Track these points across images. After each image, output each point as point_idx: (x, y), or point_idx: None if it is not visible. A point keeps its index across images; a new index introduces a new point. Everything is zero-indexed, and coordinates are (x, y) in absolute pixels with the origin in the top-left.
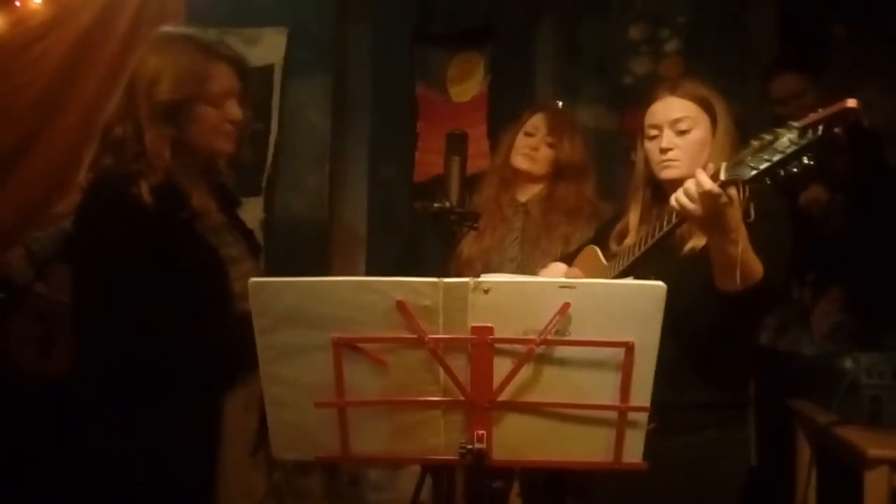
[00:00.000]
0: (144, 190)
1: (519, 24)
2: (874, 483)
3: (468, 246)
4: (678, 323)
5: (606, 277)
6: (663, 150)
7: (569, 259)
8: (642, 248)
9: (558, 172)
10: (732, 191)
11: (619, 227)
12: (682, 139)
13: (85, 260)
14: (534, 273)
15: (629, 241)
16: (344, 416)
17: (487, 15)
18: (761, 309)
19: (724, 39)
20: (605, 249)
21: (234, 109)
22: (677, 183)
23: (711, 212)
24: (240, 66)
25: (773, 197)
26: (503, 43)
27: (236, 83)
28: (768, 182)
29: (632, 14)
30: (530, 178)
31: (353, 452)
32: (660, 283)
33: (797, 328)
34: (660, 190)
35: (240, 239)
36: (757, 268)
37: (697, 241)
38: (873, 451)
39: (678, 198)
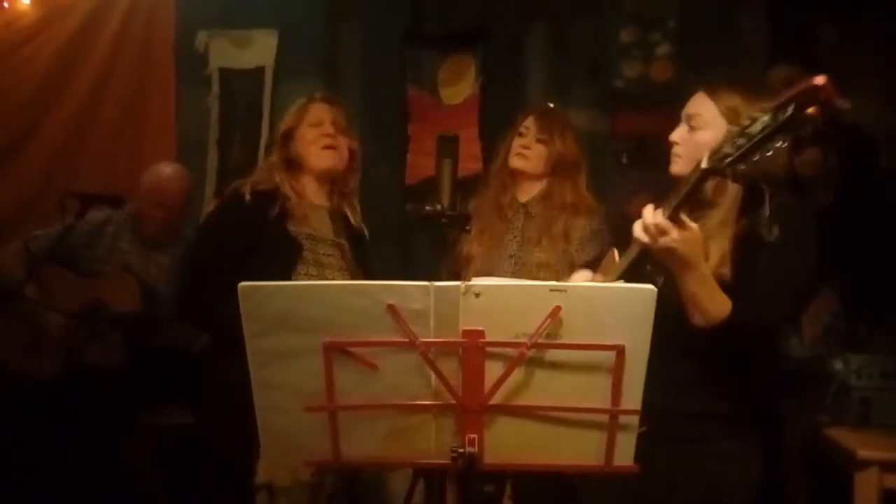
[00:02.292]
0: (246, 191)
1: (510, 26)
2: (864, 484)
3: (468, 245)
4: (694, 335)
5: (614, 275)
6: (671, 143)
7: (595, 265)
8: (626, 264)
9: (554, 169)
10: (686, 232)
11: None
12: (690, 135)
13: (199, 232)
14: (530, 274)
15: None
16: (335, 421)
17: (479, 17)
18: (739, 344)
19: (714, 43)
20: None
21: (328, 128)
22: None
23: (661, 246)
24: (331, 101)
25: (798, 216)
26: (495, 45)
27: (330, 113)
28: (742, 168)
29: (623, 17)
30: (528, 176)
31: (345, 457)
32: (650, 286)
33: (788, 330)
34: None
35: (344, 256)
36: (719, 308)
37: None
38: (863, 453)
39: (634, 228)
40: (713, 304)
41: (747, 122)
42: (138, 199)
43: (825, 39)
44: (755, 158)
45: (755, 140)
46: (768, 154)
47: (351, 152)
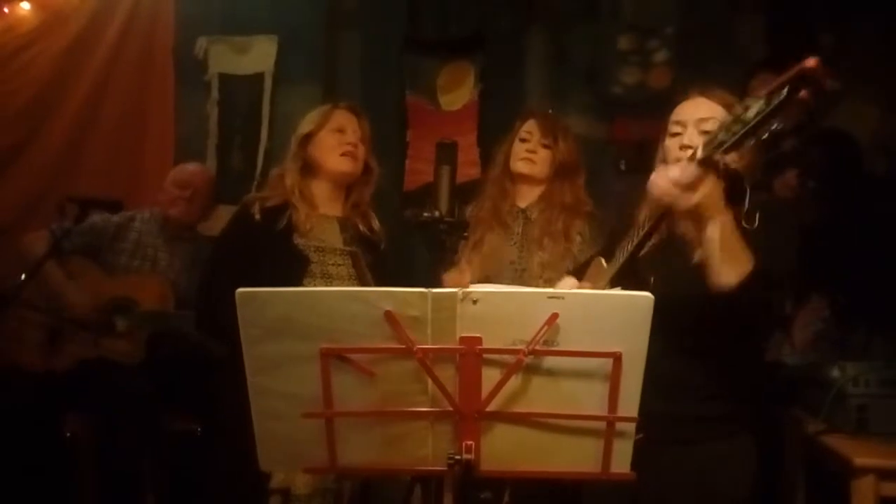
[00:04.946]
0: (256, 209)
1: (509, 33)
2: (861, 492)
3: (469, 254)
4: (687, 336)
5: (605, 279)
6: (684, 147)
7: (579, 273)
8: (634, 243)
9: (556, 173)
10: (710, 180)
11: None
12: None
13: (213, 249)
14: (532, 276)
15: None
16: (332, 427)
17: (478, 24)
18: (759, 308)
19: (712, 50)
20: (613, 255)
21: (350, 136)
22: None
23: (687, 204)
24: (357, 112)
25: (779, 208)
26: (493, 52)
27: (354, 122)
28: (739, 150)
29: (621, 24)
30: (532, 181)
31: (341, 463)
32: (647, 293)
33: (778, 337)
34: None
35: (356, 264)
36: (746, 257)
37: None
38: (860, 460)
39: (653, 191)
40: (742, 252)
41: (740, 111)
42: (164, 188)
43: (823, 46)
44: (750, 142)
45: (751, 124)
46: (764, 137)
47: (367, 166)
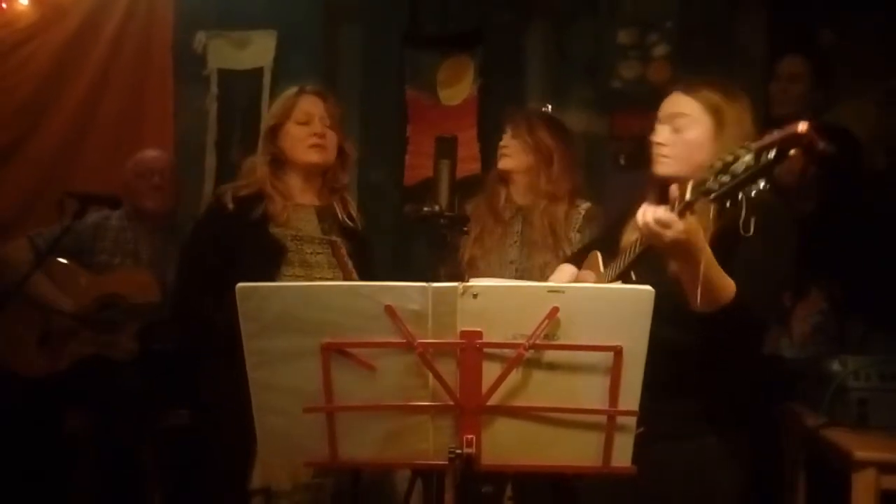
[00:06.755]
0: (228, 199)
1: (509, 27)
2: (862, 485)
3: (469, 248)
4: (679, 338)
5: (606, 279)
6: (655, 145)
7: (577, 261)
8: (623, 265)
9: (536, 160)
10: (690, 219)
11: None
12: (677, 136)
13: (187, 241)
14: (534, 274)
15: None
16: (333, 422)
17: (478, 18)
18: (741, 328)
19: (712, 45)
20: (611, 250)
21: (317, 126)
22: (671, 181)
23: (669, 239)
24: (322, 95)
25: (775, 211)
26: (493, 46)
27: (321, 107)
28: (729, 205)
29: (621, 19)
30: (513, 174)
31: (342, 458)
32: (648, 287)
33: (777, 330)
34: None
35: (336, 253)
36: (725, 288)
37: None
38: (860, 454)
39: (641, 228)
40: (721, 284)
41: (730, 159)
42: (128, 183)
43: (823, 42)
44: (738, 197)
45: (738, 180)
46: (752, 194)
47: (341, 150)
